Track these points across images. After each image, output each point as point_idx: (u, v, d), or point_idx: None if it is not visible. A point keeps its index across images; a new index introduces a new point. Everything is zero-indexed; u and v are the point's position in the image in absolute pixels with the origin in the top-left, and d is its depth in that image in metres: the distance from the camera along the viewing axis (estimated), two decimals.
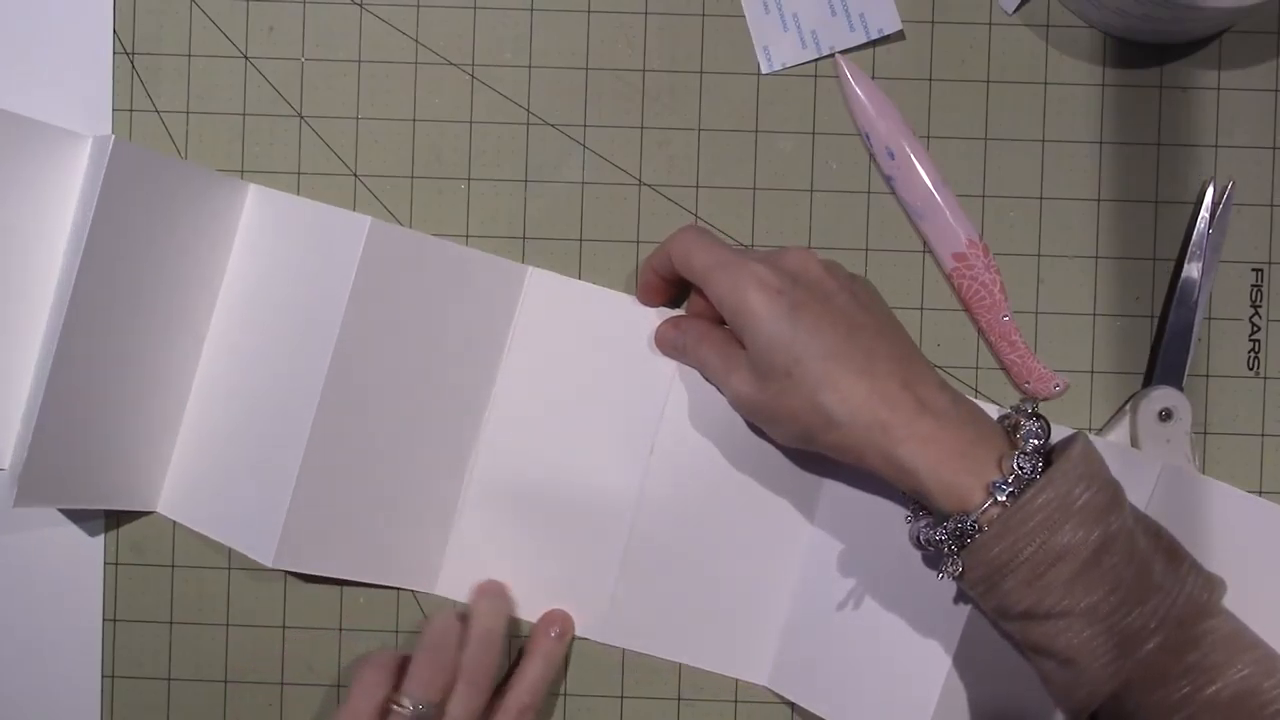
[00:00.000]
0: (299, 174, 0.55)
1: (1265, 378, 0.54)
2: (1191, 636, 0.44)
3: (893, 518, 0.51)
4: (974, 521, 0.44)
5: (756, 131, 0.55)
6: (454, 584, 0.55)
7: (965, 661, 0.51)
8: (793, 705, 0.55)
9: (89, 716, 0.56)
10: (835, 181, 0.55)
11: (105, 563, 0.56)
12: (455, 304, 0.53)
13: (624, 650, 0.55)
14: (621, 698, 0.55)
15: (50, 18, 0.55)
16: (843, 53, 0.54)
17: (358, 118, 0.55)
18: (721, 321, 0.51)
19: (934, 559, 0.48)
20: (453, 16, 0.55)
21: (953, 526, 0.45)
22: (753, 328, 0.47)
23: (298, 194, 0.55)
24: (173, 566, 0.56)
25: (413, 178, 0.55)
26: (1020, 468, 0.44)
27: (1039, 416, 0.46)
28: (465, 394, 0.54)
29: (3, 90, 0.54)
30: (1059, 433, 0.48)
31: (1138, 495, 0.50)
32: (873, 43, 0.54)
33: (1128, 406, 0.53)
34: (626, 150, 0.55)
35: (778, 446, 0.53)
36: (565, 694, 0.55)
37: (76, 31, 0.55)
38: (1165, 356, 0.53)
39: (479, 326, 0.54)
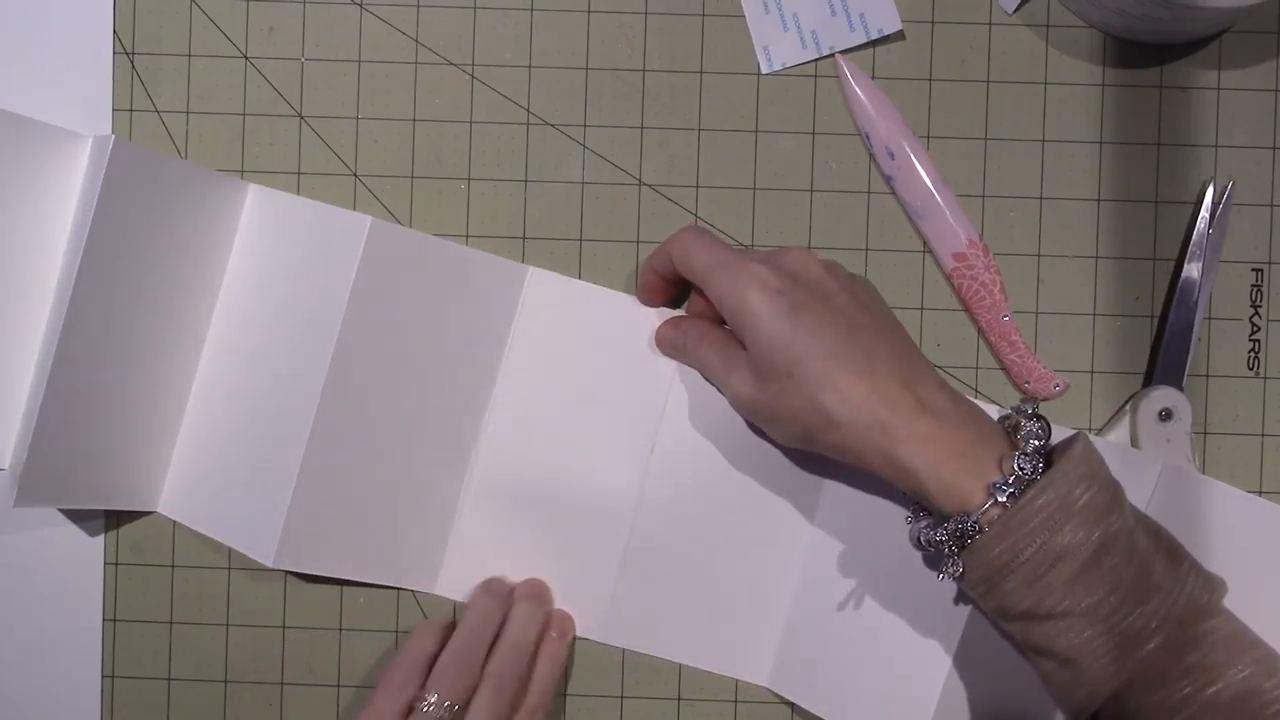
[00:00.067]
0: (299, 174, 0.55)
1: (1265, 378, 0.54)
2: (1192, 637, 0.44)
3: (893, 518, 0.51)
4: (974, 522, 0.44)
5: (756, 131, 0.55)
6: (454, 584, 0.55)
7: (965, 662, 0.51)
8: (793, 705, 0.55)
9: (89, 716, 0.56)
10: (835, 181, 0.55)
11: (105, 563, 0.56)
12: (455, 304, 0.53)
13: (624, 650, 0.55)
14: (621, 698, 0.55)
15: (50, 18, 0.55)
16: (843, 53, 0.54)
17: (358, 118, 0.55)
18: (722, 322, 0.51)
19: (934, 559, 0.48)
20: (453, 16, 0.55)
21: (953, 527, 0.45)
22: (753, 328, 0.47)
23: (298, 194, 0.55)
24: (173, 566, 0.56)
25: (413, 178, 0.55)
26: (1021, 468, 0.44)
27: (1039, 417, 0.46)
28: (465, 394, 0.54)
29: (3, 90, 0.54)
30: (1059, 433, 0.48)
31: (1138, 495, 0.50)
32: (873, 43, 0.54)
33: (1128, 406, 0.53)
34: (626, 150, 0.55)
35: (778, 447, 0.53)
36: (565, 694, 0.55)
37: (76, 31, 0.55)
38: (1165, 356, 0.53)
39: (479, 326, 0.54)
